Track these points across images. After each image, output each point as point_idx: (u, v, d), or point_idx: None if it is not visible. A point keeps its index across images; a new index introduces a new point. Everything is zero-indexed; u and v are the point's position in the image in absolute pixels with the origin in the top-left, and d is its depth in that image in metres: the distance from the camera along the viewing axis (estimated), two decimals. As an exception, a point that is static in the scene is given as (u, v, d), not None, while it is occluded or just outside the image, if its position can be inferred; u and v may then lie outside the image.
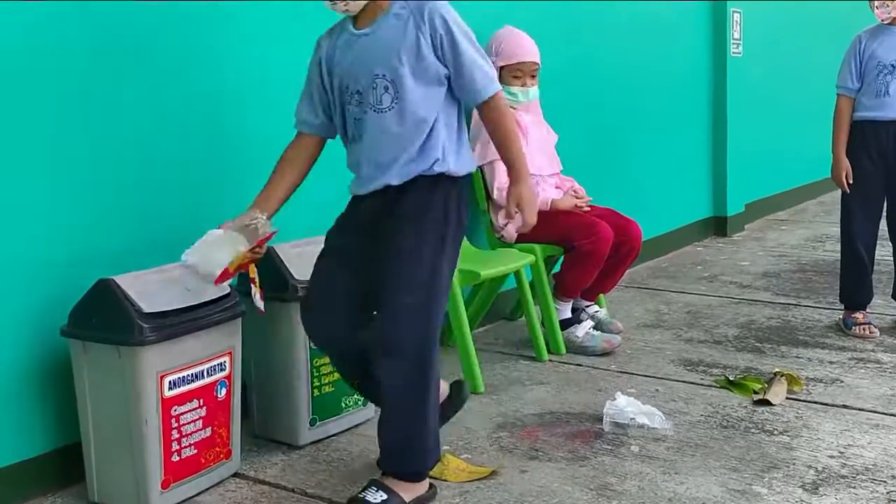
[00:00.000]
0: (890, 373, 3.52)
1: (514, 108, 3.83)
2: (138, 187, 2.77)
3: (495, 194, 3.81)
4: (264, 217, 2.43)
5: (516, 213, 2.45)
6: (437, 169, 2.40)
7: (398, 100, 2.36)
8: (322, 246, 2.56)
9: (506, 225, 3.83)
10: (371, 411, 3.05)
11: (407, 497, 2.44)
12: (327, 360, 2.86)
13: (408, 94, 2.35)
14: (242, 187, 2.71)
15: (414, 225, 2.40)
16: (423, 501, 2.49)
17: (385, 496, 2.41)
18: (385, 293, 2.39)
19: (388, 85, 2.35)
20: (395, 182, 2.41)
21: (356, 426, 3.03)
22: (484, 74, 2.40)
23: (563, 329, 3.82)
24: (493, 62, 3.81)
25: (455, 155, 2.45)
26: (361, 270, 2.47)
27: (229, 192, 2.94)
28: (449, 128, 2.44)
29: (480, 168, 3.85)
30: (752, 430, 2.96)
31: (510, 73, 3.82)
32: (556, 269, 3.97)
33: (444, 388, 2.68)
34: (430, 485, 2.54)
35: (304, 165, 2.54)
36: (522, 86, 3.83)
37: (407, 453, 2.45)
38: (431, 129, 2.39)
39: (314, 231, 2.77)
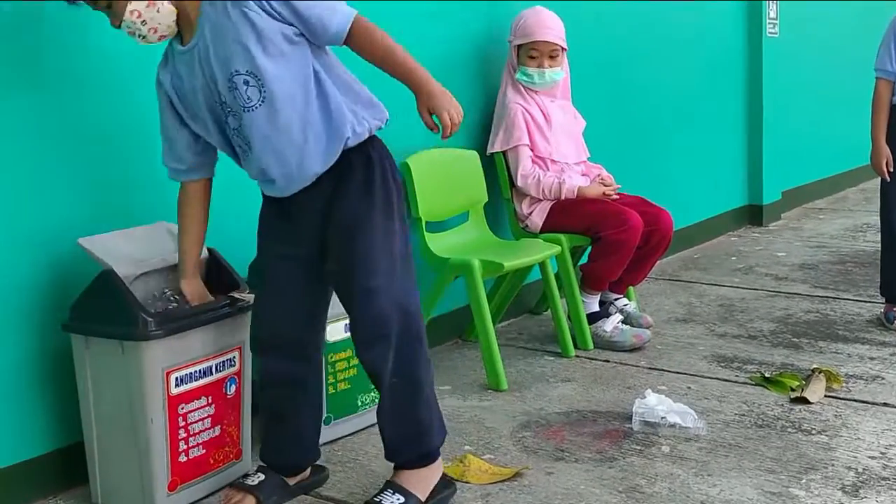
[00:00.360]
0: (935, 369, 3.46)
1: (535, 92, 3.80)
2: (139, 184, 2.73)
3: (519, 181, 3.77)
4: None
5: (448, 123, 2.21)
6: (360, 131, 2.27)
7: (265, 88, 2.19)
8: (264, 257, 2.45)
9: (530, 214, 3.75)
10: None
11: (423, 494, 2.39)
12: (342, 356, 2.84)
13: (270, 77, 2.17)
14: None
15: (362, 207, 2.27)
16: (441, 500, 2.43)
17: (402, 499, 2.36)
18: (353, 286, 2.29)
19: (246, 79, 2.18)
20: (319, 168, 2.27)
21: (373, 425, 2.95)
22: (330, 11, 2.18)
23: (590, 323, 3.77)
24: (510, 41, 3.76)
25: (366, 108, 2.30)
26: (314, 278, 2.38)
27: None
28: (340, 85, 2.28)
29: (503, 154, 3.82)
30: (789, 430, 2.91)
31: (526, 53, 3.78)
32: (584, 260, 3.94)
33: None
34: (450, 482, 2.49)
35: (201, 213, 2.45)
36: (539, 67, 3.76)
37: (412, 439, 2.39)
38: (324, 95, 2.24)
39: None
